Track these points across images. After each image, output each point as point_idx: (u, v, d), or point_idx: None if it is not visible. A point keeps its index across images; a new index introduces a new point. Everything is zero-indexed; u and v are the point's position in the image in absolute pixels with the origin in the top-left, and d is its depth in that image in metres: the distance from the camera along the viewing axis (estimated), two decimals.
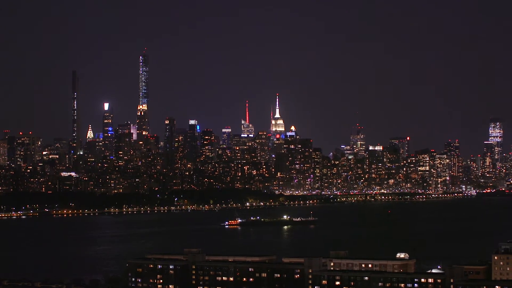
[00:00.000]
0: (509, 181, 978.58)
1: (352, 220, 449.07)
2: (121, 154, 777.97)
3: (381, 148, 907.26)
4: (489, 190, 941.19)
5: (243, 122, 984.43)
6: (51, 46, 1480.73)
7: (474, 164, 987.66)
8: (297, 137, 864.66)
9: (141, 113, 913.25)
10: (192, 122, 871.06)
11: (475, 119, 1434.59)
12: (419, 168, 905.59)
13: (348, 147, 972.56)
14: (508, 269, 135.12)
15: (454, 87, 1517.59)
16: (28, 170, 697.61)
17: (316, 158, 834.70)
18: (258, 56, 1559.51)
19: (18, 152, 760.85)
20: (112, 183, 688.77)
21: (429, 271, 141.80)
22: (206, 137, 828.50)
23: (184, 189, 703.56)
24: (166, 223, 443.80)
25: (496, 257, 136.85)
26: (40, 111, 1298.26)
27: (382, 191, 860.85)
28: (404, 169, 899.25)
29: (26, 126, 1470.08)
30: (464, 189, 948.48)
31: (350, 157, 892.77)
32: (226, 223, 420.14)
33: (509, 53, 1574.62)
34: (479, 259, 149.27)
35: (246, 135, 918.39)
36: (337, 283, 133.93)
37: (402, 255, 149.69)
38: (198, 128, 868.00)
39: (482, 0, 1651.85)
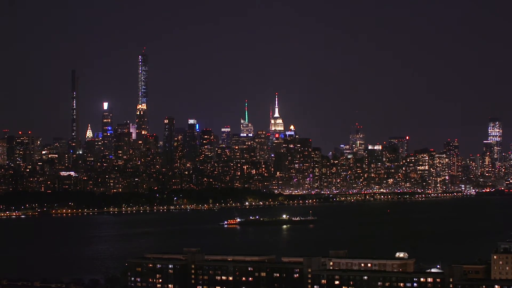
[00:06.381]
0: (508, 181, 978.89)
1: (352, 220, 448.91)
2: (120, 153, 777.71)
3: (380, 148, 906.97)
4: (488, 190, 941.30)
5: (242, 121, 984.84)
6: (51, 46, 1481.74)
7: (474, 164, 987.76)
8: (296, 136, 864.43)
9: (140, 112, 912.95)
10: (191, 121, 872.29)
11: (474, 118, 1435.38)
12: (418, 167, 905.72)
13: (347, 147, 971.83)
14: (507, 268, 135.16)
15: (453, 86, 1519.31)
16: (28, 170, 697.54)
17: (315, 158, 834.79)
18: (258, 55, 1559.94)
19: (18, 152, 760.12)
20: (111, 182, 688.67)
21: (428, 270, 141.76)
22: (206, 136, 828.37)
23: (183, 188, 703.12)
24: (165, 222, 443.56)
25: (495, 257, 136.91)
26: (39, 110, 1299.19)
27: (382, 190, 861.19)
28: (404, 168, 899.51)
29: (25, 125, 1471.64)
30: (463, 188, 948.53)
31: (349, 156, 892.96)
32: (225, 222, 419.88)
33: (509, 52, 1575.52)
34: (479, 258, 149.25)
35: (245, 135, 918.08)
36: (337, 282, 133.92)
37: (401, 255, 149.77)
38: (197, 128, 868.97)
39: None
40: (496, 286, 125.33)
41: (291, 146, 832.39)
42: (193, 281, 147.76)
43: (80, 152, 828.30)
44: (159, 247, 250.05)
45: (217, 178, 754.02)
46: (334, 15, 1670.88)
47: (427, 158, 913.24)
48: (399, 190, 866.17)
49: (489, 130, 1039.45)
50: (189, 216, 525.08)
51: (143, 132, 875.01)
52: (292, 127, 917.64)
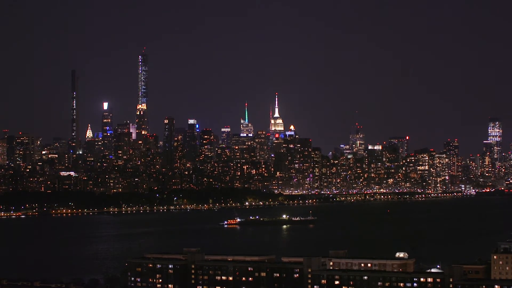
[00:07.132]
0: (508, 181, 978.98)
1: (352, 220, 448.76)
2: (120, 153, 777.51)
3: (380, 148, 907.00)
4: (488, 190, 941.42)
5: (242, 121, 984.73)
6: (51, 46, 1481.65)
7: (473, 164, 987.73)
8: (296, 136, 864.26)
9: (140, 112, 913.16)
10: (191, 121, 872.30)
11: (474, 118, 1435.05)
12: (418, 167, 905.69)
13: (347, 147, 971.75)
14: (507, 268, 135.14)
15: (453, 86, 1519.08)
16: (28, 170, 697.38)
17: (315, 158, 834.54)
18: (258, 55, 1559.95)
19: (18, 152, 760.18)
20: (111, 182, 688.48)
21: (428, 270, 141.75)
22: (205, 136, 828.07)
23: (183, 188, 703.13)
24: (165, 222, 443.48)
25: (495, 257, 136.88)
26: (39, 110, 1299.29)
27: (381, 190, 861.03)
28: (403, 168, 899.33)
29: (25, 125, 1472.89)
30: (463, 188, 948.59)
31: (349, 156, 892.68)
32: (225, 222, 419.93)
33: (509, 52, 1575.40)
34: (479, 258, 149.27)
35: (245, 135, 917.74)
36: (337, 282, 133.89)
37: (401, 255, 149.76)
38: (197, 128, 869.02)
39: None
40: (496, 286, 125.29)
41: (291, 146, 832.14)
42: (193, 281, 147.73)
43: (80, 152, 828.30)
44: (159, 247, 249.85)
45: (217, 178, 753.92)
46: (334, 14, 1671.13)
47: (427, 158, 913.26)
48: (399, 190, 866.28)
49: (489, 130, 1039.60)
50: (189, 216, 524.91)
51: (143, 132, 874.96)
52: (292, 127, 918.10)
